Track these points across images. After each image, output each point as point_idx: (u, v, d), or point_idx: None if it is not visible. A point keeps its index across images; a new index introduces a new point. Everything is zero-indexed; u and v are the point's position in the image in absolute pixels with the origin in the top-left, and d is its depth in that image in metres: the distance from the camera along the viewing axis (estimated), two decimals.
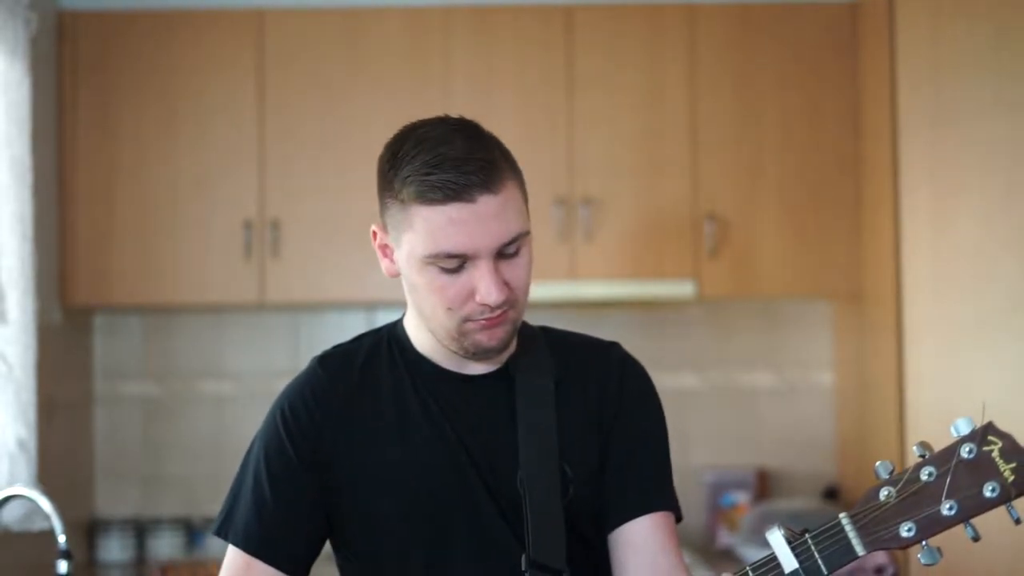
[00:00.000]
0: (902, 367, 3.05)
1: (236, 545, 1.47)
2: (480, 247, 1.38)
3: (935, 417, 2.98)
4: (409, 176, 1.39)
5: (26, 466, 2.91)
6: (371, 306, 3.58)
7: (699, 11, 3.46)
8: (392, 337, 1.53)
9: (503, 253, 1.40)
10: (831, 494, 3.61)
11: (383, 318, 1.57)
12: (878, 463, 1.21)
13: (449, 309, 1.40)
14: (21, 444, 2.91)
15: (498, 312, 1.41)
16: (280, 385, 1.57)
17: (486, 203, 1.37)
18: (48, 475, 3.02)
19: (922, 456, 1.21)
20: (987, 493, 1.18)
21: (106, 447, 3.69)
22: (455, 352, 1.45)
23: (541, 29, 3.46)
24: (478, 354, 1.44)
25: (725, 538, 3.47)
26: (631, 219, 3.42)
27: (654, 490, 1.51)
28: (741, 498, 3.55)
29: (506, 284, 1.40)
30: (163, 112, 3.43)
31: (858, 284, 3.42)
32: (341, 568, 1.55)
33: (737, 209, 3.43)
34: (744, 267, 3.43)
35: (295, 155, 3.43)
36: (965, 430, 1.19)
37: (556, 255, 3.36)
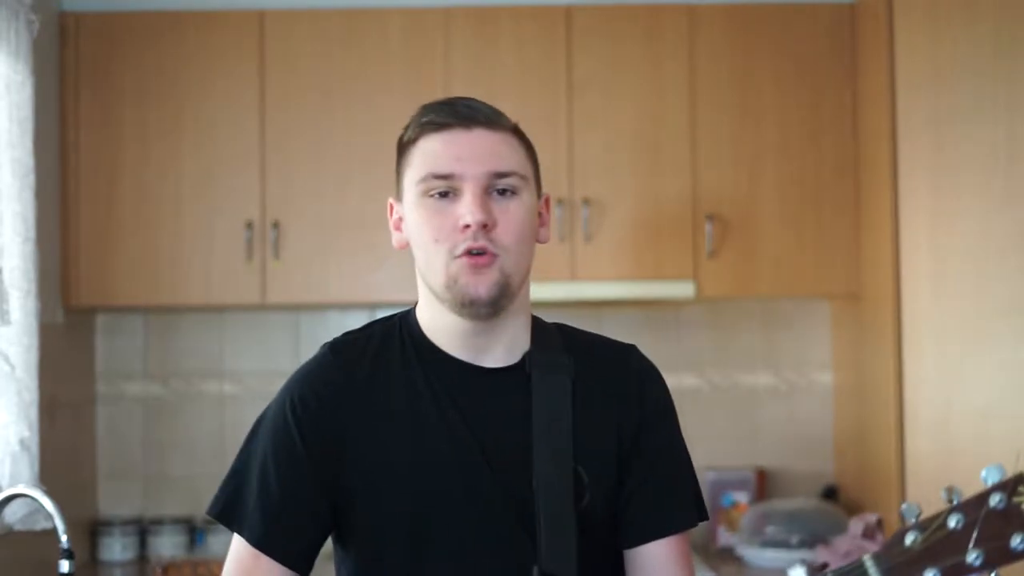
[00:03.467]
0: (901, 367, 3.06)
1: (243, 537, 1.46)
2: (467, 170, 1.42)
3: (934, 417, 2.98)
4: (413, 120, 1.47)
5: (28, 466, 2.92)
6: (372, 307, 3.59)
7: (698, 11, 3.47)
8: (404, 326, 1.52)
9: (496, 189, 1.43)
10: (830, 494, 3.61)
11: None
12: (904, 505, 1.20)
13: (436, 241, 1.42)
14: (23, 444, 2.92)
15: (481, 243, 1.41)
16: (281, 385, 1.56)
17: (482, 135, 1.44)
18: (50, 475, 3.03)
19: (950, 502, 1.19)
20: (1014, 544, 1.16)
21: (108, 447, 3.70)
22: (452, 310, 1.44)
23: (541, 29, 3.46)
24: (467, 306, 1.42)
25: (725, 538, 3.48)
26: (631, 219, 3.43)
27: (668, 511, 1.50)
28: (741, 498, 3.56)
29: (494, 223, 1.42)
30: (164, 113, 3.44)
31: (857, 284, 3.43)
32: (342, 562, 1.53)
33: (737, 209, 3.44)
34: (744, 267, 3.44)
35: (296, 156, 3.44)
36: (995, 478, 1.18)
37: (556, 255, 3.37)
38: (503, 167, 1.43)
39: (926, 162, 3.03)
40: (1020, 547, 1.16)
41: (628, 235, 3.42)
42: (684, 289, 3.39)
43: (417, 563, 1.45)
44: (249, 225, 3.41)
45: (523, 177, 1.45)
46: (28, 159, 2.98)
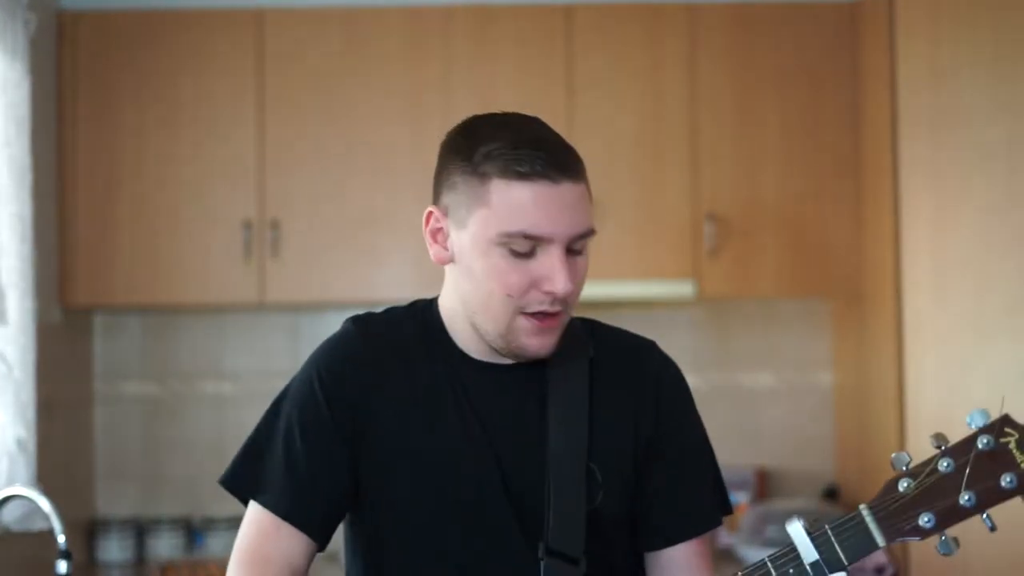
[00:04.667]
0: (902, 367, 3.05)
1: (267, 507, 1.44)
2: (558, 232, 1.35)
3: (935, 417, 2.98)
4: (494, 150, 1.35)
5: (25, 466, 2.91)
6: (371, 306, 3.57)
7: (699, 11, 3.46)
8: (426, 317, 1.50)
9: (571, 248, 1.38)
10: (831, 494, 3.61)
11: None
12: (894, 455, 1.22)
13: (508, 296, 1.36)
14: (20, 444, 2.91)
15: (556, 309, 1.38)
16: (280, 385, 1.55)
17: (569, 190, 1.36)
18: (48, 475, 3.02)
19: (939, 448, 1.22)
20: (1004, 484, 1.19)
21: (106, 447, 3.69)
22: (496, 350, 1.42)
23: (541, 29, 3.45)
24: (519, 357, 1.41)
25: (725, 538, 3.47)
26: (631, 219, 3.42)
27: (691, 514, 1.49)
28: (741, 498, 3.55)
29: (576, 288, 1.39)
30: (163, 112, 3.43)
31: (858, 284, 3.42)
32: (350, 542, 1.52)
33: (737, 209, 3.43)
34: (744, 267, 3.43)
35: (295, 155, 3.43)
36: (981, 422, 1.21)
37: None
38: (585, 227, 1.38)
39: (927, 162, 3.02)
40: (1010, 486, 1.19)
41: (628, 235, 3.42)
42: (684, 289, 3.38)
43: (419, 546, 1.44)
44: (247, 224, 3.40)
45: (594, 232, 1.40)
46: (25, 158, 2.97)
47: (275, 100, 3.43)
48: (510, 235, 1.35)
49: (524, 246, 1.35)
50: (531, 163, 1.34)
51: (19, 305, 2.92)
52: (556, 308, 1.38)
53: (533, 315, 1.38)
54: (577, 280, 1.39)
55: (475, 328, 1.42)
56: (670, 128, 3.44)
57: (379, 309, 1.56)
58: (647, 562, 1.50)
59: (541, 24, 3.45)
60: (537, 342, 1.39)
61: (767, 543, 3.25)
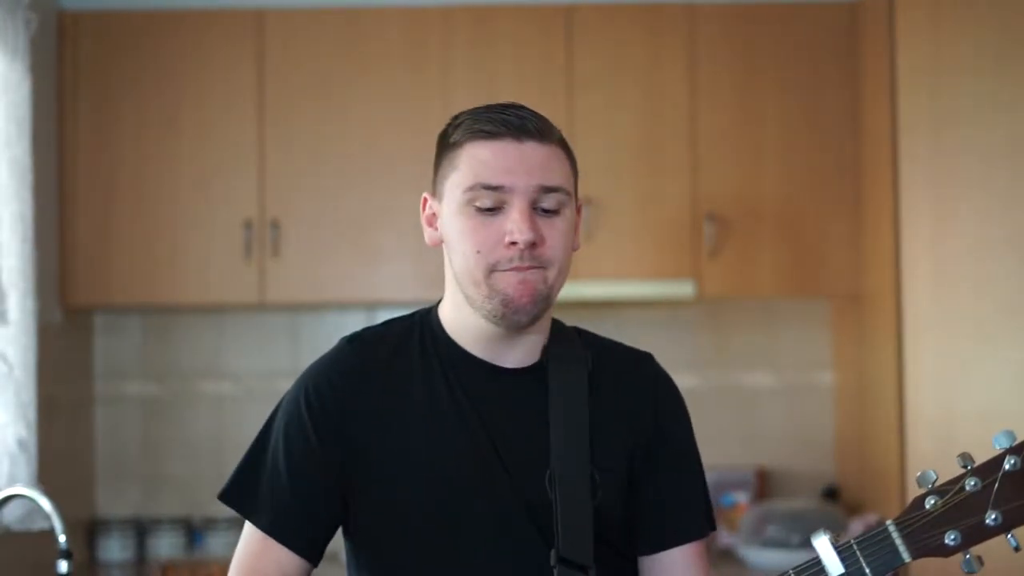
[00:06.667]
0: (902, 367, 3.05)
1: (255, 524, 1.46)
2: (518, 183, 1.39)
3: (935, 417, 2.98)
4: (465, 121, 1.44)
5: (26, 466, 2.91)
6: (371, 306, 3.58)
7: (699, 11, 3.46)
8: (425, 323, 1.51)
9: (542, 207, 1.41)
10: (831, 494, 3.61)
11: (383, 318, 1.57)
12: (920, 473, 1.24)
13: (477, 252, 1.40)
14: (21, 444, 2.91)
15: (527, 263, 1.39)
16: (281, 385, 1.56)
17: (533, 148, 1.41)
18: (48, 475, 3.02)
19: (965, 467, 1.23)
20: None
21: (106, 447, 3.69)
22: (487, 318, 1.42)
23: (541, 29, 3.45)
24: (508, 313, 1.41)
25: (725, 538, 3.47)
26: (631, 219, 3.42)
27: (689, 519, 1.51)
28: (741, 498, 3.55)
29: (542, 240, 1.40)
30: (163, 112, 3.43)
31: (858, 284, 3.42)
32: (353, 555, 1.52)
33: (737, 209, 3.43)
34: (744, 267, 3.43)
35: (295, 155, 3.43)
36: (1006, 443, 1.22)
37: None
38: (551, 181, 1.41)
39: (927, 162, 3.03)
40: None
41: (628, 235, 3.42)
42: (684, 289, 3.38)
43: (427, 557, 1.44)
44: (247, 224, 3.40)
45: (568, 193, 1.44)
46: (26, 158, 2.97)
47: (275, 99, 3.43)
48: (472, 188, 1.40)
49: (488, 200, 1.40)
50: (494, 124, 1.41)
51: (20, 305, 2.92)
52: (526, 263, 1.40)
53: (511, 270, 1.40)
54: (553, 239, 1.41)
55: (470, 305, 1.44)
56: (670, 128, 3.44)
57: (377, 322, 1.56)
58: (644, 568, 1.51)
59: (541, 24, 3.46)
60: (518, 294, 1.40)
61: (767, 543, 3.26)
